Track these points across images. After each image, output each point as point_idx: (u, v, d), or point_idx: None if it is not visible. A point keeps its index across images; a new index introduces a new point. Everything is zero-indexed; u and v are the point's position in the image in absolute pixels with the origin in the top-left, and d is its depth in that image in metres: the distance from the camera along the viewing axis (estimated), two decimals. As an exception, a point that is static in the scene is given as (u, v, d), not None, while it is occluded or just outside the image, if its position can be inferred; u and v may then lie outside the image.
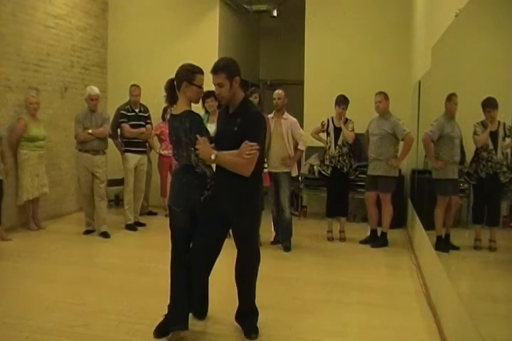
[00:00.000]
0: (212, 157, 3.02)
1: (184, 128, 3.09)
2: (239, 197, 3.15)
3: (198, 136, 3.05)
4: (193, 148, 3.08)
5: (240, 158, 3.02)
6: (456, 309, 2.81)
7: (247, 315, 3.33)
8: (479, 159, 2.40)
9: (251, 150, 3.00)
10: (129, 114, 6.12)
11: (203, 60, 7.96)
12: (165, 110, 6.70)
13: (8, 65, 5.99)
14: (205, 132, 3.16)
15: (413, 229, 5.58)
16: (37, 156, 6.01)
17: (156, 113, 6.75)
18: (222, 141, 3.18)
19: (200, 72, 3.17)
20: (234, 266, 3.31)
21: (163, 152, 6.96)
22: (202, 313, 3.48)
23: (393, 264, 5.13)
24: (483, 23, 2.56)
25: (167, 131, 7.01)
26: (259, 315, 3.34)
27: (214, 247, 3.27)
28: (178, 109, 3.18)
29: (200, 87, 3.18)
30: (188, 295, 3.20)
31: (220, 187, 3.19)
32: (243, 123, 3.08)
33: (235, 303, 3.36)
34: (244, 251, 3.28)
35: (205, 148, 3.02)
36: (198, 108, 5.90)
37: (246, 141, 3.02)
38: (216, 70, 3.07)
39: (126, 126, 6.10)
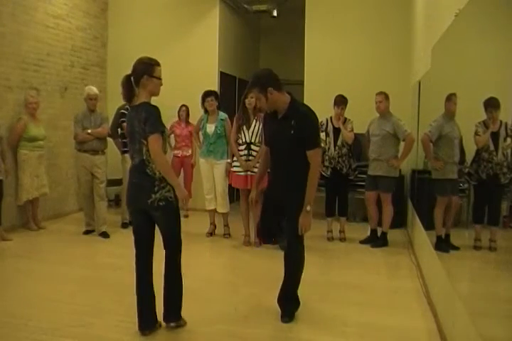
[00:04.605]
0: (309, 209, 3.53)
1: (139, 119, 3.08)
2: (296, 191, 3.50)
3: None
4: (144, 141, 3.07)
5: (311, 182, 3.56)
6: (456, 309, 2.81)
7: (287, 300, 3.53)
8: (480, 159, 2.40)
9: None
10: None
11: (203, 60, 8.00)
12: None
13: (8, 65, 5.98)
14: (161, 125, 3.14)
15: (413, 229, 5.58)
16: (37, 156, 6.01)
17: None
18: (280, 145, 3.39)
19: (158, 64, 3.20)
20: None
21: (173, 152, 6.94)
22: None
23: (393, 264, 5.13)
24: (483, 23, 2.56)
25: (178, 131, 7.07)
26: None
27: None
28: (137, 101, 3.18)
29: (160, 79, 3.19)
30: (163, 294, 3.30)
31: (279, 184, 3.53)
32: (299, 126, 3.24)
33: (234, 303, 3.35)
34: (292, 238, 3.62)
35: (306, 222, 3.51)
36: (195, 108, 5.99)
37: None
38: (250, 87, 3.31)
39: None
